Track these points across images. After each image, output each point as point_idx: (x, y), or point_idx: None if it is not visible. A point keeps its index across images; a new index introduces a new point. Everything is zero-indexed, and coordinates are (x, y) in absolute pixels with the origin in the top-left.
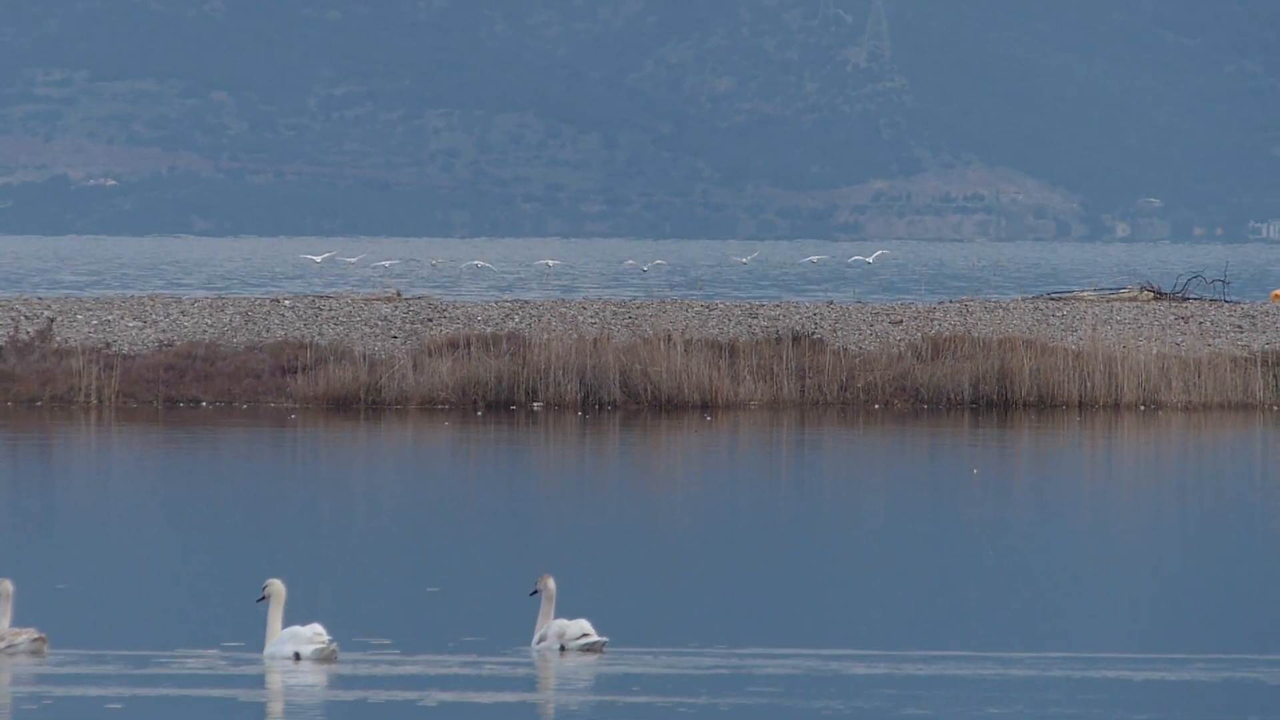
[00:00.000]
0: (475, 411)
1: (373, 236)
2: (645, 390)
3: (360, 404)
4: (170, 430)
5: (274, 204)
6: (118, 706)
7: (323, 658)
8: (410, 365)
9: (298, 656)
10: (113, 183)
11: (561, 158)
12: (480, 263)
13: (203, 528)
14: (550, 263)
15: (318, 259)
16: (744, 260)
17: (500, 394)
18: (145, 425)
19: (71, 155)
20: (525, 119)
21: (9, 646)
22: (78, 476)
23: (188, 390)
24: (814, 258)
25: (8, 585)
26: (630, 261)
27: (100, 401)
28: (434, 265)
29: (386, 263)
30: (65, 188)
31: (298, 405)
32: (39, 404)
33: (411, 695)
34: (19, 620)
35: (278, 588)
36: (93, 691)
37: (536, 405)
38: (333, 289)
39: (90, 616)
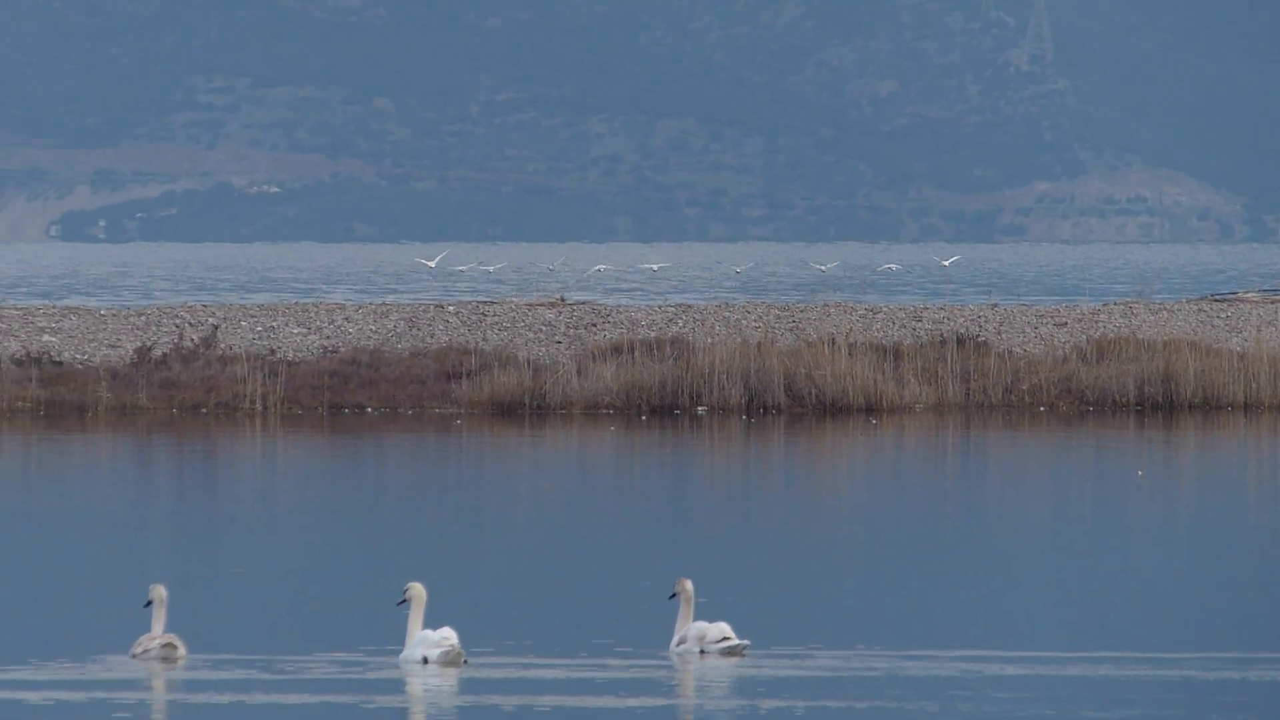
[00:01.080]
0: (639, 416)
1: (535, 242)
2: (809, 394)
3: (524, 409)
4: (335, 436)
5: (437, 210)
6: (253, 712)
7: (448, 661)
8: (574, 370)
9: (425, 660)
10: (275, 189)
11: (724, 162)
12: (603, 268)
13: (364, 533)
14: (655, 267)
15: (431, 263)
16: (738, 270)
17: (664, 398)
18: (310, 431)
19: (234, 162)
20: (687, 124)
21: (144, 652)
22: (242, 483)
23: (352, 396)
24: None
25: (161, 590)
26: (739, 269)
27: (265, 408)
28: (551, 269)
29: (491, 267)
30: (228, 195)
31: (462, 411)
32: (204, 411)
33: (548, 699)
34: (174, 625)
35: (418, 591)
36: (229, 698)
37: (700, 409)
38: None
39: (243, 621)
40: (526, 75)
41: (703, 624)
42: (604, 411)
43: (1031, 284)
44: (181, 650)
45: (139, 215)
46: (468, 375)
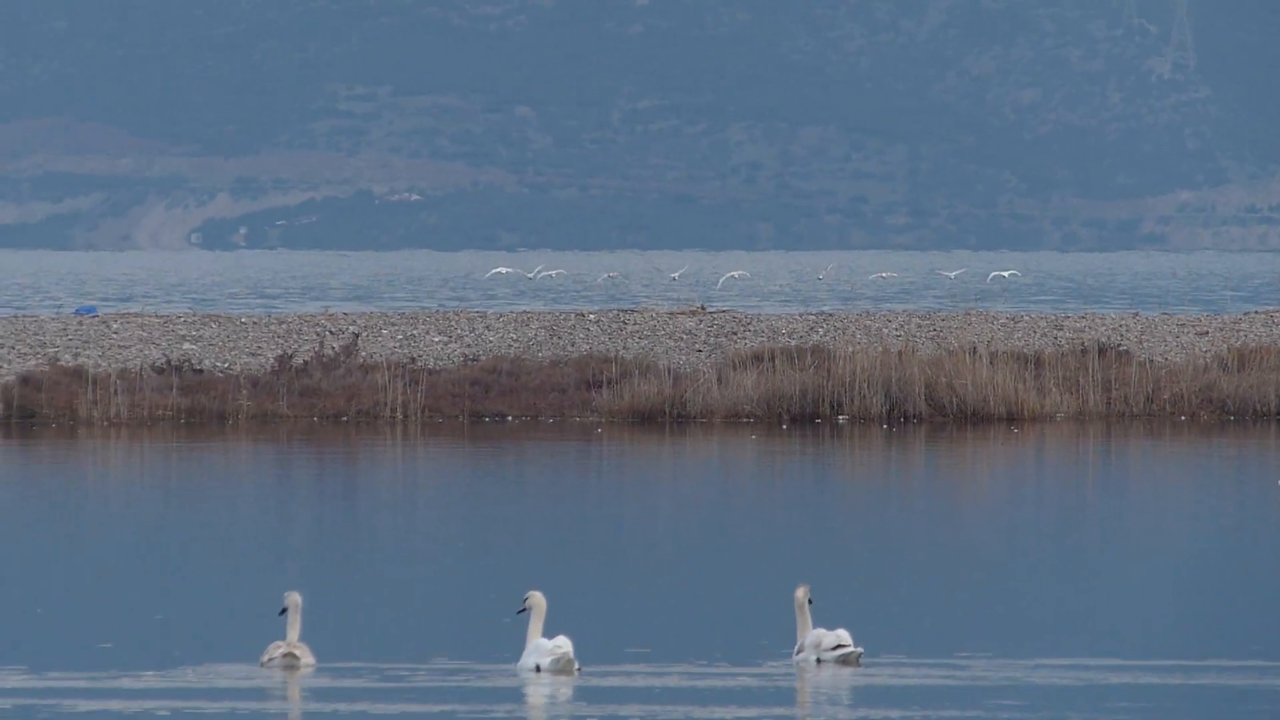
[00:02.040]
0: (780, 425)
1: (677, 250)
2: (950, 403)
3: (665, 417)
4: (475, 445)
5: (578, 218)
6: None
7: (560, 669)
8: (715, 379)
9: (538, 668)
10: (417, 197)
11: (865, 170)
12: (738, 274)
13: (501, 541)
14: (736, 274)
15: (504, 270)
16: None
17: (805, 407)
18: (450, 440)
19: (375, 170)
20: (828, 132)
21: (270, 660)
22: (382, 491)
23: (493, 405)
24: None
25: (296, 597)
26: (824, 271)
27: (406, 416)
28: (610, 277)
29: (553, 273)
30: (369, 203)
31: (603, 419)
32: (345, 419)
33: (665, 708)
34: (309, 633)
35: (537, 599)
36: (349, 707)
37: (841, 418)
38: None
39: (375, 629)
40: (668, 83)
41: (820, 631)
42: (744, 420)
43: (1173, 294)
44: (306, 659)
45: (279, 223)
46: (608, 383)
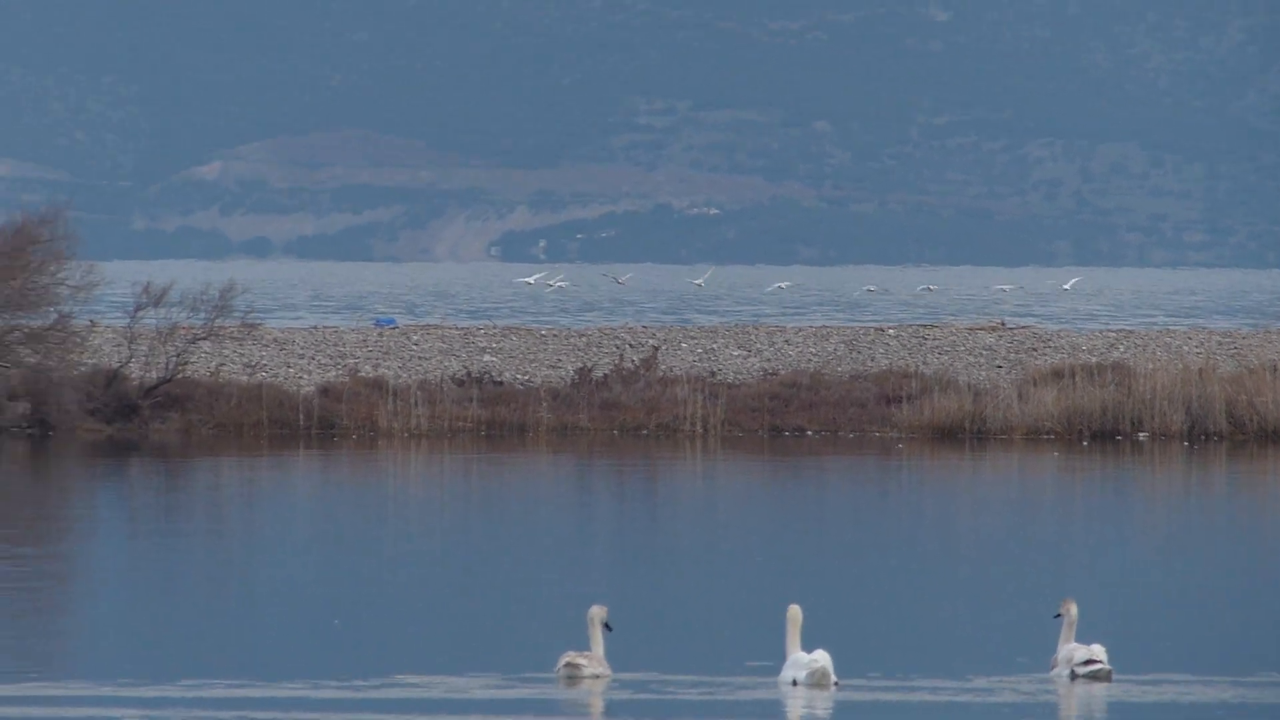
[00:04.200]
0: (1080, 441)
1: (975, 266)
2: (1251, 420)
3: (965, 433)
4: (775, 459)
5: (877, 233)
6: None
7: (815, 682)
8: (1015, 395)
9: (795, 682)
10: (715, 211)
11: (1164, 187)
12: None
13: (795, 556)
14: (782, 285)
15: (531, 280)
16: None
17: (1105, 424)
18: (750, 454)
19: (674, 184)
20: (1128, 149)
21: (558, 670)
22: (682, 504)
23: (792, 419)
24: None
25: (601, 611)
26: (870, 288)
27: (705, 430)
28: (620, 283)
29: (561, 282)
30: (668, 217)
31: (902, 434)
32: (645, 432)
33: None
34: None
35: (794, 613)
36: None
37: (1142, 435)
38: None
39: (668, 640)
40: (967, 98)
41: (1073, 646)
42: (1044, 436)
43: None
44: (593, 670)
45: (578, 236)
46: (908, 399)
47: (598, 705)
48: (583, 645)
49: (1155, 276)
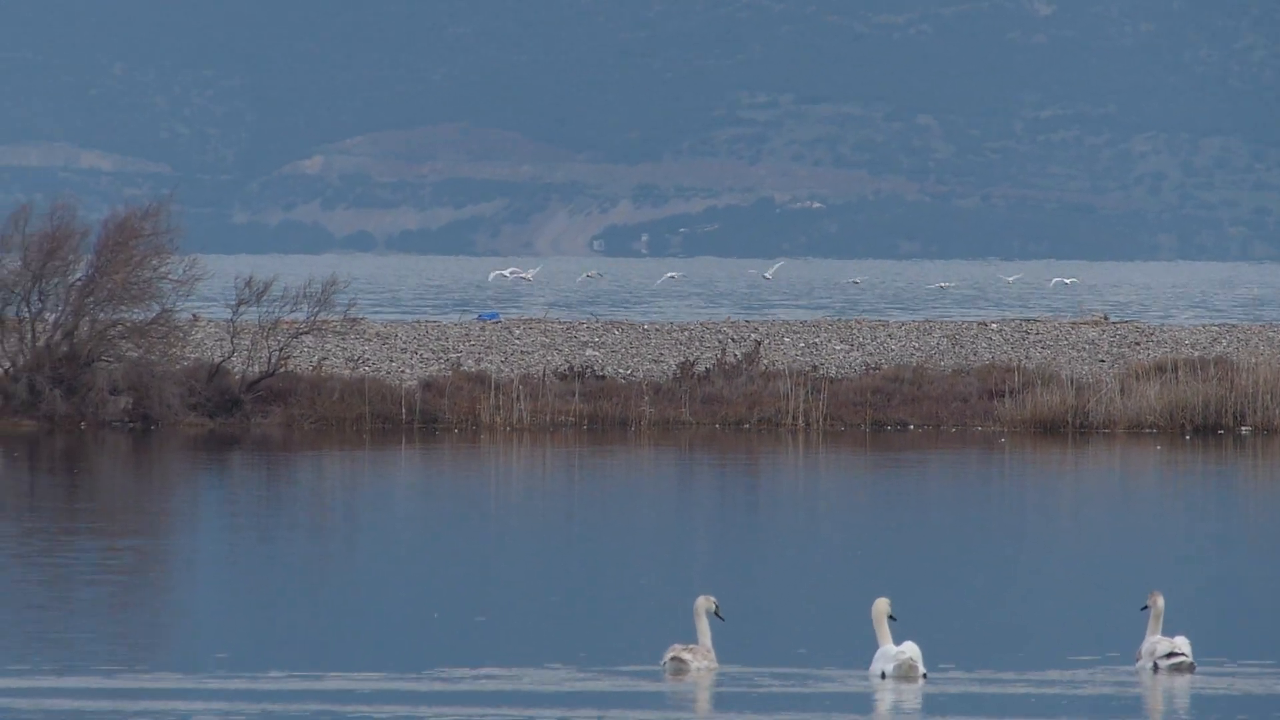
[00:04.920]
0: (1183, 435)
1: (1079, 260)
2: None
3: (1068, 427)
4: (876, 453)
5: (979, 227)
6: None
7: (902, 675)
8: (1117, 389)
9: (883, 675)
10: (818, 205)
11: (1269, 181)
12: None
13: (889, 547)
14: (768, 275)
15: (507, 273)
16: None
17: (1208, 418)
18: (851, 448)
19: (777, 178)
20: (1231, 142)
21: (663, 664)
22: (783, 498)
23: (895, 414)
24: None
25: (708, 602)
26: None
27: (808, 424)
28: (589, 276)
29: (529, 274)
30: (770, 210)
31: (1005, 429)
32: (746, 426)
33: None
34: (719, 638)
35: (881, 606)
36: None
37: (1245, 429)
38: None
39: (770, 633)
40: (1070, 92)
41: (1157, 639)
42: (1147, 431)
43: None
44: (698, 663)
45: (681, 230)
46: (1010, 393)
47: (704, 699)
48: (689, 638)
49: (1256, 270)
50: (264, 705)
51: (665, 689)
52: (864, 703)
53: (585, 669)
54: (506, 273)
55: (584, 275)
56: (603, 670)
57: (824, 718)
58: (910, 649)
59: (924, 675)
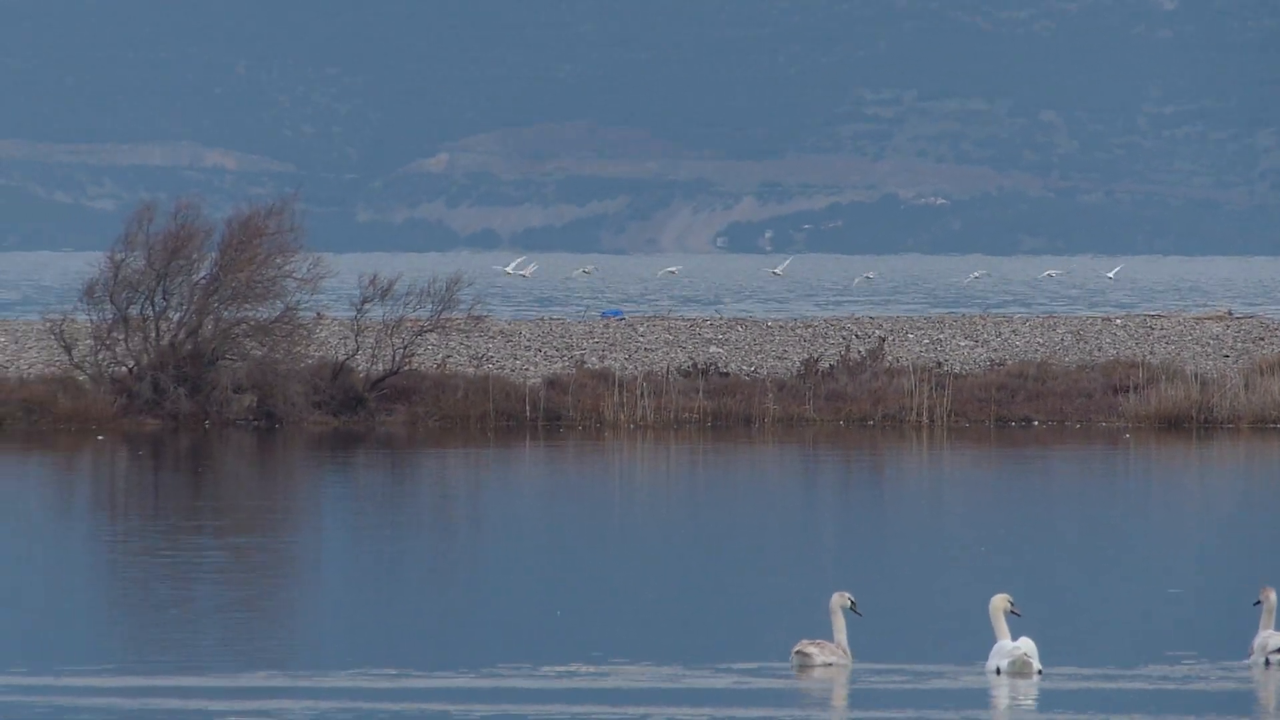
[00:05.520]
0: None
1: (1204, 256)
2: None
3: (1192, 423)
4: (1001, 449)
5: (1103, 223)
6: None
7: (1016, 671)
8: (1242, 384)
9: (998, 670)
10: (942, 201)
11: None
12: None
13: (1013, 545)
14: (778, 271)
15: (509, 269)
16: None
17: None
18: (976, 444)
19: (900, 174)
20: None
21: (797, 655)
22: (908, 494)
23: (1019, 410)
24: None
25: (842, 598)
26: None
27: (931, 420)
28: (586, 273)
29: (527, 270)
30: (894, 207)
31: (1129, 424)
32: (870, 423)
33: (1118, 717)
34: (812, 630)
35: (998, 603)
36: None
37: None
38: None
39: (898, 629)
40: (1195, 88)
41: (1269, 633)
42: (1272, 426)
43: None
44: (824, 658)
45: (805, 227)
46: (1135, 389)
47: (841, 696)
48: (818, 633)
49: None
50: (382, 704)
51: (790, 686)
52: (980, 698)
53: (714, 665)
54: (509, 268)
55: (579, 271)
56: (732, 666)
57: (940, 714)
58: (1026, 644)
59: (1039, 671)
